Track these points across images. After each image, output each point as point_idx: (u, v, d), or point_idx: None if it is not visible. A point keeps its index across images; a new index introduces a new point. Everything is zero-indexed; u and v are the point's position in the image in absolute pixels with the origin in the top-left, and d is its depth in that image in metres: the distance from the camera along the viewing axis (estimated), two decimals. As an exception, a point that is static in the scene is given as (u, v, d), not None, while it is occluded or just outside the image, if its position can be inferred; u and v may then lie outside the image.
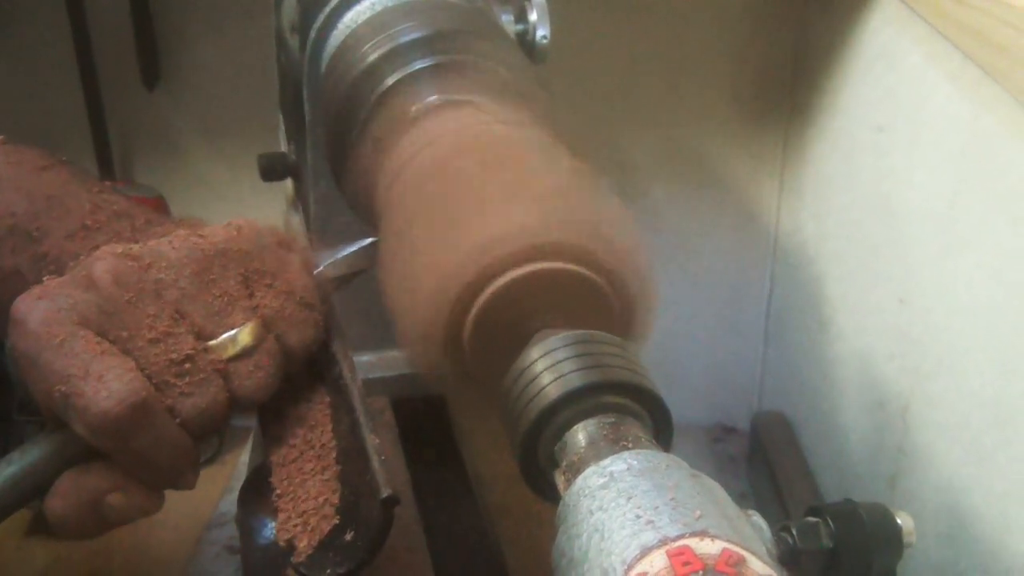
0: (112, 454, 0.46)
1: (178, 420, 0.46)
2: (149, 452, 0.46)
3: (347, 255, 0.55)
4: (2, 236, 0.54)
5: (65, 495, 0.46)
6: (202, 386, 0.47)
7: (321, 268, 0.54)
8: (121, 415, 0.44)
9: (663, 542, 0.32)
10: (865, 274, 0.99)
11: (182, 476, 0.48)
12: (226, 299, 0.49)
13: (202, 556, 1.07)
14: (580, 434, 0.40)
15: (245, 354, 0.48)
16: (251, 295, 0.50)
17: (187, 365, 0.46)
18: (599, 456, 0.38)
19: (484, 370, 0.46)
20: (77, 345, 0.44)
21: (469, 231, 0.45)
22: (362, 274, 0.55)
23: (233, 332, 0.48)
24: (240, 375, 0.48)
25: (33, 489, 0.47)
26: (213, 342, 0.48)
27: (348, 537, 0.46)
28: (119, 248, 0.48)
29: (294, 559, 0.48)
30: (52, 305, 0.45)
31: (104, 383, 0.44)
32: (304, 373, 0.54)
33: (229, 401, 0.48)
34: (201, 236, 0.50)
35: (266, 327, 0.50)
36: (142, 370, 0.45)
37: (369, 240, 0.55)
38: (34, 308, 0.45)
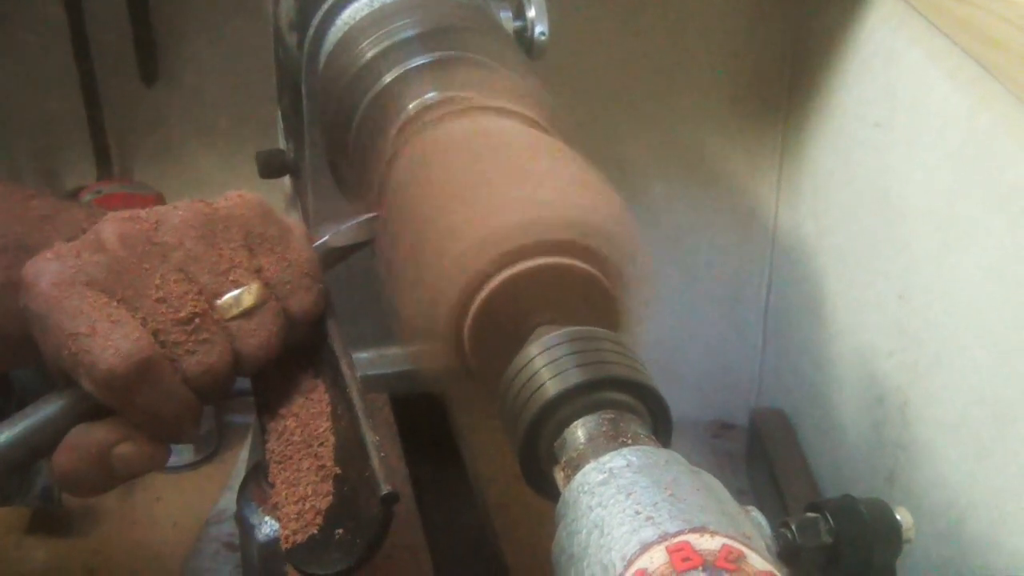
0: (119, 410, 0.47)
1: (183, 377, 0.47)
2: (155, 408, 0.47)
3: (348, 227, 0.55)
4: None
5: (73, 449, 0.47)
6: (207, 344, 0.48)
7: (323, 239, 0.54)
8: (128, 372, 0.45)
9: (663, 538, 0.32)
10: (864, 270, 0.99)
11: (186, 430, 0.50)
12: (230, 262, 0.50)
13: (201, 553, 1.07)
14: (579, 430, 0.40)
15: (248, 314, 0.50)
16: (254, 259, 0.51)
17: (192, 324, 0.48)
18: (598, 452, 0.38)
19: (484, 367, 0.46)
20: (85, 305, 0.46)
21: (467, 228, 0.45)
22: (362, 247, 0.55)
23: (237, 292, 0.49)
24: (244, 334, 0.49)
25: (42, 445, 0.47)
26: (218, 302, 0.49)
27: (348, 534, 0.46)
28: (126, 212, 0.50)
29: (287, 554, 0.48)
30: (61, 266, 0.47)
31: (111, 341, 0.45)
32: (303, 369, 0.54)
33: (233, 359, 0.49)
34: (206, 203, 0.52)
35: (269, 290, 0.51)
36: (148, 328, 0.47)
37: (371, 214, 0.55)
38: (44, 269, 0.47)
